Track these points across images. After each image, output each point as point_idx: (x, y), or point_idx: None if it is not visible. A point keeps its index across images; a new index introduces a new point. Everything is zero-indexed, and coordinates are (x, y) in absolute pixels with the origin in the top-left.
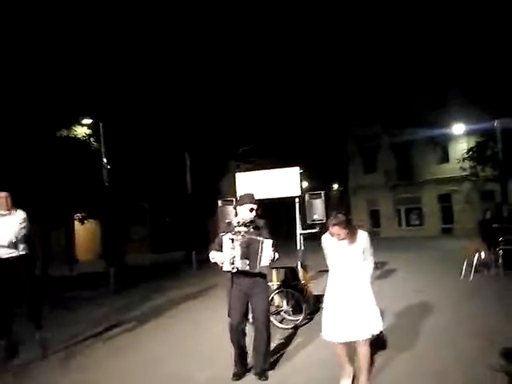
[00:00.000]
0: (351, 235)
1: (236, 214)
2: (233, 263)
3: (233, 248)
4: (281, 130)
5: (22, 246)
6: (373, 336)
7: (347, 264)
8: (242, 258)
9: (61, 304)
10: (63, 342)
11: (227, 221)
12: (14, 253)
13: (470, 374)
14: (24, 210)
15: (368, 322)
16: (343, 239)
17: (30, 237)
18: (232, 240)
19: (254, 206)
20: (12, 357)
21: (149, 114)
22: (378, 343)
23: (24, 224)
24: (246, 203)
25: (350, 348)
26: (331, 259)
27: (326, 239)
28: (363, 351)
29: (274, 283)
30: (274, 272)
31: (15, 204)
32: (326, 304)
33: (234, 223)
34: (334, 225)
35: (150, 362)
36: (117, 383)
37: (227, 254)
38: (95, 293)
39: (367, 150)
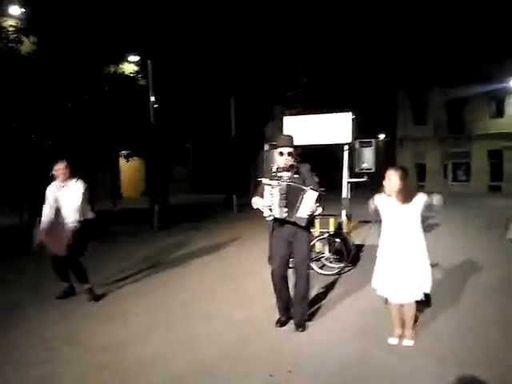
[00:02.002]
0: (405, 192)
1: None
2: (270, 210)
3: (271, 195)
4: (329, 75)
5: (80, 215)
6: (422, 295)
7: (401, 223)
8: (280, 206)
9: (107, 239)
10: (106, 278)
11: (270, 166)
12: (74, 221)
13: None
14: (72, 147)
15: (420, 282)
16: (395, 193)
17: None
18: (271, 186)
19: (286, 150)
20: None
21: (196, 55)
22: (422, 300)
23: (84, 194)
24: (281, 146)
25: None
26: (385, 218)
27: (379, 198)
28: (410, 309)
29: (317, 230)
30: (318, 219)
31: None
32: (380, 261)
33: (274, 169)
34: (391, 174)
35: (190, 300)
36: (157, 318)
37: (266, 201)
38: (138, 229)
39: (418, 99)
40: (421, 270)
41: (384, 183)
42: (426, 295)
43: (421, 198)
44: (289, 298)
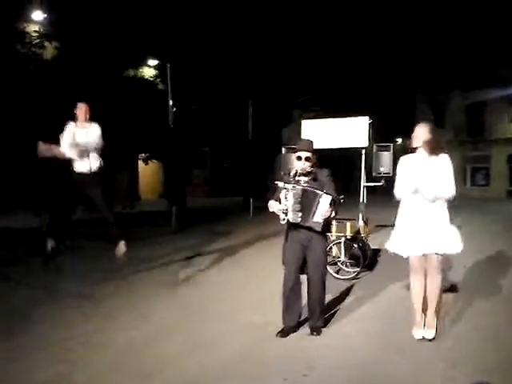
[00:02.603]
0: (432, 145)
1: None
2: (285, 214)
3: (286, 199)
4: (348, 79)
5: (98, 159)
6: (447, 255)
7: (427, 180)
8: (294, 210)
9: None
10: (123, 279)
11: (287, 170)
12: (92, 166)
13: None
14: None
15: (444, 238)
16: (423, 143)
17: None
18: (286, 190)
19: (304, 154)
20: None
21: (215, 59)
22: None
23: (100, 136)
24: (300, 150)
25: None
26: (410, 176)
27: (406, 158)
28: (435, 282)
29: (334, 234)
30: (334, 223)
31: None
32: (401, 219)
33: (292, 173)
34: (420, 127)
35: (206, 302)
36: (174, 320)
37: (281, 205)
38: (156, 231)
39: (437, 103)
40: (444, 228)
41: (412, 136)
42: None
43: (446, 157)
44: (298, 304)
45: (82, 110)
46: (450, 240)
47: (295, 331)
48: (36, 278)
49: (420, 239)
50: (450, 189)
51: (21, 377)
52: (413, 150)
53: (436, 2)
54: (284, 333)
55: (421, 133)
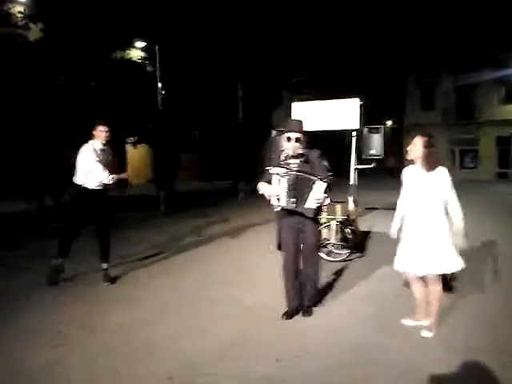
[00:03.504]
0: (428, 160)
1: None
2: (278, 200)
3: (279, 184)
4: (339, 61)
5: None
6: (451, 273)
7: (426, 195)
8: (288, 197)
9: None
10: (116, 263)
11: (278, 153)
12: (102, 184)
13: None
14: (81, 134)
15: (446, 257)
16: (419, 159)
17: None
18: (279, 175)
19: (294, 135)
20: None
21: (203, 41)
22: (445, 286)
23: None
24: (289, 131)
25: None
26: (410, 190)
27: (407, 170)
28: (436, 290)
29: (324, 217)
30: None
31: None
32: (404, 236)
33: (282, 156)
34: (416, 138)
35: (200, 285)
36: (168, 303)
37: (274, 190)
38: (146, 215)
39: (427, 85)
40: (446, 246)
41: (408, 149)
42: (449, 280)
43: (443, 170)
44: (299, 286)
45: (104, 131)
46: (450, 259)
47: (298, 313)
48: (32, 261)
49: (422, 260)
50: (456, 209)
51: (15, 361)
52: (412, 162)
53: None
54: (289, 315)
55: (416, 146)
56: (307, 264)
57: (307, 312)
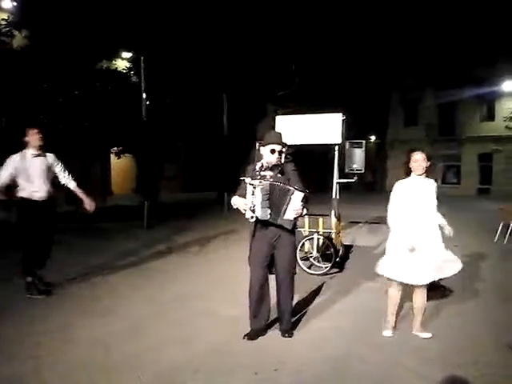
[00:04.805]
0: (431, 171)
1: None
2: (253, 211)
3: (253, 195)
4: (323, 76)
5: (51, 188)
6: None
7: (422, 205)
8: (263, 207)
9: (95, 234)
10: (96, 274)
11: (253, 165)
12: (46, 195)
13: (501, 338)
14: (63, 143)
15: (438, 265)
16: (421, 174)
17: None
18: (253, 186)
19: (278, 148)
20: (49, 292)
21: (189, 52)
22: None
23: (55, 165)
24: (269, 143)
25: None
26: (406, 202)
27: (400, 183)
28: (422, 295)
29: (306, 230)
30: (306, 219)
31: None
32: (393, 244)
33: (257, 167)
34: (418, 153)
35: (180, 297)
36: (147, 314)
37: (248, 201)
38: (129, 225)
39: (410, 101)
40: (439, 253)
41: (410, 164)
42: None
43: (432, 182)
44: (265, 306)
45: (35, 135)
46: (448, 263)
47: (263, 334)
48: (13, 271)
49: (415, 269)
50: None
51: None
52: (407, 175)
53: (412, 2)
54: (251, 336)
55: (422, 160)
56: (282, 282)
57: (287, 333)
